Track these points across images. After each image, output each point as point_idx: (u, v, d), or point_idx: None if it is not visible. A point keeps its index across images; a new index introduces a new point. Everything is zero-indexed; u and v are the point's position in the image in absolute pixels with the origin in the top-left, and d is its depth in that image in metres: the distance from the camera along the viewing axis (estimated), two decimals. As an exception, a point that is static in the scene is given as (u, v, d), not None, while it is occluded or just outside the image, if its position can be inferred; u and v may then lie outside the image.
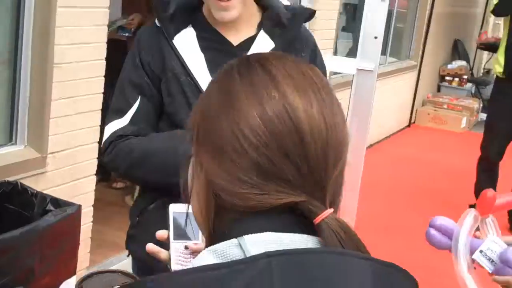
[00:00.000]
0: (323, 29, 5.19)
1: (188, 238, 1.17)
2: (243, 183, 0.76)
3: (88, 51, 3.01)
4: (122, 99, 1.69)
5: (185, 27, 1.69)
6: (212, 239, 0.81)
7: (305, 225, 0.77)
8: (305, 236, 0.78)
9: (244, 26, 1.69)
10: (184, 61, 1.66)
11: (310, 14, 1.80)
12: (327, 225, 0.76)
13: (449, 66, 9.41)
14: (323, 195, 0.78)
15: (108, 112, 1.75)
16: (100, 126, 3.07)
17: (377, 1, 3.69)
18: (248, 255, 0.74)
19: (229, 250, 0.76)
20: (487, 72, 10.71)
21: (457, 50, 9.79)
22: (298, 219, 0.78)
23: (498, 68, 4.97)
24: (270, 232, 0.76)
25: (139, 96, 1.66)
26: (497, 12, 5.12)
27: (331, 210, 0.77)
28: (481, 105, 9.23)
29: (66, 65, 2.89)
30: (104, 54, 3.12)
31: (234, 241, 0.76)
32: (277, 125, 0.76)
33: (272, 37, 1.71)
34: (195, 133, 0.83)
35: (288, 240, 0.76)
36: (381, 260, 0.78)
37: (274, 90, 0.78)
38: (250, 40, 1.70)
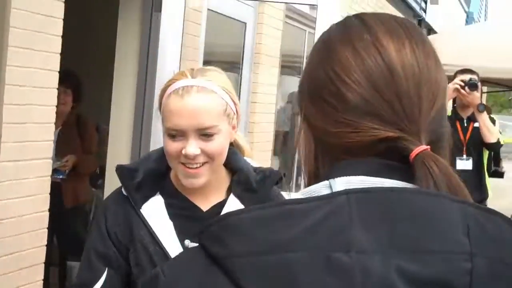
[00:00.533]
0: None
1: None
2: (339, 124, 0.79)
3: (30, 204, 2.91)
4: (88, 271, 1.64)
5: (153, 195, 1.66)
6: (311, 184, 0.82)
7: (406, 171, 0.76)
8: (400, 182, 0.76)
9: (213, 192, 1.68)
10: (152, 230, 1.62)
11: (279, 177, 1.80)
12: (423, 163, 0.75)
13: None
14: (419, 132, 0.78)
15: (75, 283, 1.72)
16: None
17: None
18: None
19: (319, 190, 0.78)
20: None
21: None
22: (397, 166, 0.77)
23: None
24: (363, 176, 0.77)
25: (106, 268, 1.61)
26: None
27: (428, 147, 0.76)
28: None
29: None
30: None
31: (325, 182, 0.78)
32: (368, 63, 0.79)
33: (242, 201, 1.69)
34: (302, 89, 0.87)
35: (379, 182, 0.76)
36: (482, 206, 0.75)
37: (366, 33, 0.81)
38: (220, 205, 1.67)
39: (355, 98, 0.79)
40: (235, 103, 1.63)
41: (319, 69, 0.83)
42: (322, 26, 3.78)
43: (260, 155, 5.46)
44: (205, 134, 1.55)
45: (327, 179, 0.78)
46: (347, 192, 0.72)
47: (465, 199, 0.74)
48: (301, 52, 6.50)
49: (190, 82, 1.56)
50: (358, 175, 0.77)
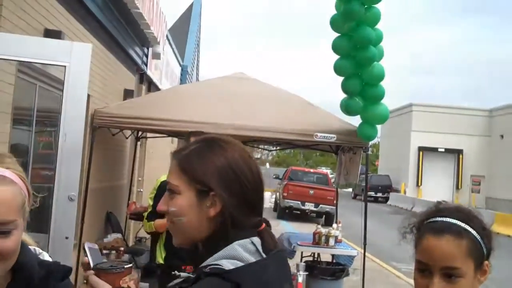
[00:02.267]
0: None
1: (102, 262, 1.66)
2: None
3: None
4: None
5: None
6: None
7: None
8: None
9: None
10: None
11: (66, 272, 1.68)
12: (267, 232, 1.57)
13: (105, 240, 9.56)
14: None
15: None
16: None
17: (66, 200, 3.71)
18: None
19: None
20: (139, 240, 11.14)
21: (111, 222, 10.05)
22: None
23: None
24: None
25: None
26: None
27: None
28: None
29: None
30: None
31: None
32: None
33: None
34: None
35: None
36: None
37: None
38: None
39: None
40: (29, 194, 1.52)
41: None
42: (71, 85, 3.77)
43: None
44: (2, 231, 1.38)
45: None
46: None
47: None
48: (31, 105, 6.25)
49: None
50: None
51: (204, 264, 1.48)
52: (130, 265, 1.74)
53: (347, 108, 7.96)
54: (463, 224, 1.73)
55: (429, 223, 1.78)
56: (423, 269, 1.74)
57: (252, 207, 1.57)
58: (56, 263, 1.68)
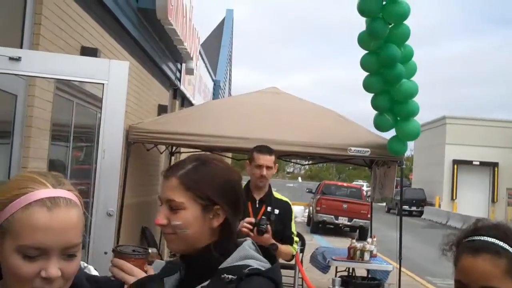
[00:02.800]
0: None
1: None
2: None
3: None
4: None
5: None
6: None
7: None
8: None
9: None
10: None
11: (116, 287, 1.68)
12: None
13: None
14: None
15: None
16: None
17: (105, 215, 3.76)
18: None
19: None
20: (174, 255, 11.18)
21: (146, 237, 10.13)
22: None
23: None
24: None
25: None
26: None
27: None
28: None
29: None
30: None
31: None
32: None
33: None
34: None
35: None
36: None
37: None
38: None
39: None
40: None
41: None
42: (110, 102, 3.84)
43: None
44: (69, 254, 1.35)
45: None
46: None
47: None
48: (69, 122, 6.37)
49: (55, 193, 1.36)
50: None
51: (226, 265, 1.65)
52: (151, 251, 1.81)
53: (377, 125, 7.94)
54: (501, 243, 1.71)
55: (467, 242, 1.77)
56: None
57: (240, 212, 1.78)
58: (105, 278, 1.69)
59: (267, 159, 4.59)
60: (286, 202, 4.84)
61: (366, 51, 7.60)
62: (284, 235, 4.63)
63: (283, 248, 4.61)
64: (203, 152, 10.47)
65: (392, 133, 8.16)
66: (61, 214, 1.33)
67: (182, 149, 11.40)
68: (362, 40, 7.47)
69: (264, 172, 4.56)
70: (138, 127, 8.44)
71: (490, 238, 1.73)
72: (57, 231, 1.31)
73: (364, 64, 7.64)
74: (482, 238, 1.74)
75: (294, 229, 4.84)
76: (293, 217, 4.85)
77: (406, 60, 7.56)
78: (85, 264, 1.72)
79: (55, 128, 5.76)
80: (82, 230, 1.39)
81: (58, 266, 1.31)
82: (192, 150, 10.22)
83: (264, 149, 4.68)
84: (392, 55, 7.31)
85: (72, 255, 1.35)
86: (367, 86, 7.73)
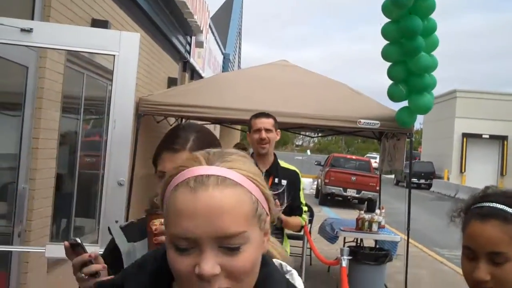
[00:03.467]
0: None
1: None
2: None
3: None
4: None
5: None
6: None
7: None
8: None
9: None
10: None
11: None
12: None
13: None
14: None
15: None
16: None
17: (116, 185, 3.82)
18: None
19: None
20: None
21: (156, 209, 10.22)
22: None
23: None
24: None
25: None
26: None
27: None
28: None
29: None
30: None
31: None
32: None
33: None
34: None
35: None
36: None
37: None
38: None
39: None
40: (267, 200, 1.19)
41: None
42: (121, 73, 3.87)
43: (41, 202, 5.27)
44: (229, 246, 1.07)
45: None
46: None
47: None
48: (79, 94, 6.42)
49: (206, 171, 1.10)
50: None
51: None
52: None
53: (391, 94, 7.93)
54: (510, 209, 1.73)
55: (475, 208, 1.79)
56: (470, 254, 1.75)
57: None
58: None
59: (264, 122, 4.44)
60: (294, 171, 4.70)
61: (389, 20, 7.55)
62: (293, 205, 4.52)
63: (292, 220, 4.52)
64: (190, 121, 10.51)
65: (401, 104, 8.17)
66: (207, 196, 1.06)
67: (192, 121, 11.44)
68: (386, 8, 7.41)
69: (263, 134, 4.40)
70: (148, 100, 8.49)
71: (499, 205, 1.74)
72: (203, 216, 1.05)
73: (385, 32, 7.60)
74: (491, 204, 1.75)
75: (303, 199, 4.74)
76: (301, 186, 4.73)
77: (428, 34, 7.50)
78: (289, 268, 1.33)
79: (66, 100, 5.82)
80: (251, 217, 1.09)
81: (216, 262, 1.06)
82: (201, 122, 10.27)
83: (260, 114, 4.58)
84: (414, 27, 7.25)
85: (234, 249, 1.06)
86: (385, 54, 7.71)
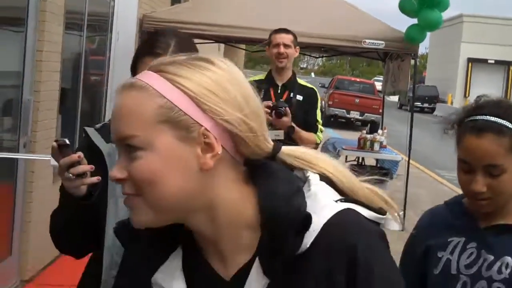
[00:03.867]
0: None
1: None
2: None
3: None
4: None
5: None
6: None
7: None
8: None
9: None
10: None
11: None
12: None
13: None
14: None
15: None
16: None
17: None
18: None
19: None
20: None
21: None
22: None
23: None
24: None
25: None
26: None
27: None
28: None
29: None
30: None
31: None
32: None
33: None
34: None
35: None
36: None
37: None
38: None
39: None
40: (203, 110, 1.03)
41: None
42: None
43: (46, 114, 5.33)
44: (131, 149, 1.04)
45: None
46: None
47: None
48: (82, 9, 6.34)
49: (141, 75, 1.06)
50: None
51: None
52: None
53: (402, 7, 7.84)
54: (503, 122, 1.72)
55: (469, 122, 1.77)
56: (465, 167, 1.77)
57: None
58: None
59: (284, 37, 4.51)
60: (312, 88, 4.77)
61: None
62: (308, 122, 4.58)
63: (306, 134, 4.51)
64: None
65: (407, 26, 8.08)
66: (117, 99, 1.04)
67: (196, 40, 11.35)
68: None
69: (282, 49, 4.48)
70: (152, 16, 8.40)
71: (493, 117, 1.73)
72: (112, 119, 1.06)
73: None
74: (484, 117, 1.74)
75: (319, 117, 4.76)
76: (318, 104, 4.76)
77: None
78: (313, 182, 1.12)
79: (69, 16, 5.76)
80: (153, 122, 1.01)
81: (123, 167, 1.04)
82: (205, 41, 10.19)
83: (280, 29, 4.64)
84: None
85: (131, 154, 1.02)
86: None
